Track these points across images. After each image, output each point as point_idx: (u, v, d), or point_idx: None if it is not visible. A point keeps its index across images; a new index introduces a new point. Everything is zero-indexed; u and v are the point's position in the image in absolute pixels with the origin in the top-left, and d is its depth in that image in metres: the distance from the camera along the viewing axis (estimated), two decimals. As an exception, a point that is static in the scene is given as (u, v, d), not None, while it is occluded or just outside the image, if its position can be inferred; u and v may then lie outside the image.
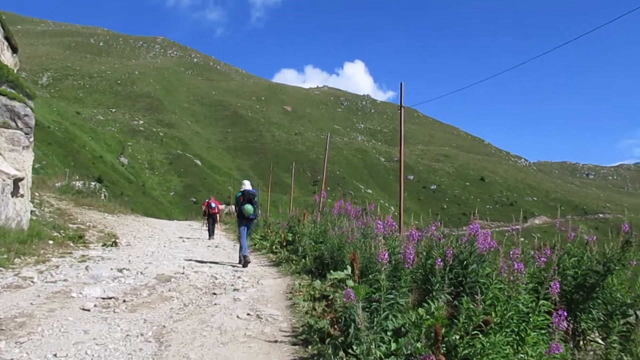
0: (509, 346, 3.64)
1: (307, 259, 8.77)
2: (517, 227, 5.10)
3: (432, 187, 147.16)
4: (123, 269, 8.22)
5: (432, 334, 3.66)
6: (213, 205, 18.96)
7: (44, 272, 7.67)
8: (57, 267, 8.29)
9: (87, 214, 23.29)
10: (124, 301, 6.27)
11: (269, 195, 24.43)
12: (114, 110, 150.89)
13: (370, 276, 5.67)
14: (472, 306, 3.71)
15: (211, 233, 18.29)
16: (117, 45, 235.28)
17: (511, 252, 4.08)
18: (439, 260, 4.61)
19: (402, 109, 8.84)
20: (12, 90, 14.07)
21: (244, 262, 9.55)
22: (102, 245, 12.62)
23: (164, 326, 5.12)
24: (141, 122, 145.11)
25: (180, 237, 17.53)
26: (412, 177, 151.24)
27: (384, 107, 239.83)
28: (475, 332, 3.58)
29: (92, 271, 7.88)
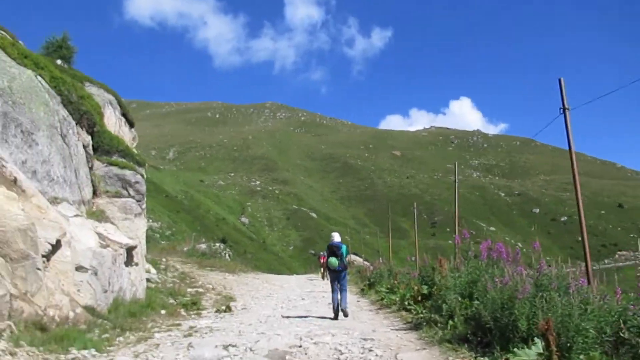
0: None
1: (456, 320, 6.66)
2: None
3: (563, 219, 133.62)
4: (229, 345, 6.76)
5: None
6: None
7: (140, 355, 6.46)
8: (158, 346, 7.08)
9: (208, 276, 23.07)
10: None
11: (390, 242, 22.42)
12: (232, 174, 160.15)
13: (581, 357, 3.56)
14: None
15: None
16: (231, 115, 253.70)
17: None
18: None
19: (566, 111, 6.64)
20: (123, 160, 14.03)
21: (344, 313, 9.96)
22: (216, 311, 11.52)
23: None
24: (258, 182, 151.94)
25: (300, 295, 16.10)
26: (537, 210, 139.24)
27: (497, 141, 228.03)
28: None
29: (194, 351, 6.51)
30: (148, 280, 16.20)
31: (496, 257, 7.57)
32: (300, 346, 6.64)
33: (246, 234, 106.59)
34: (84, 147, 12.77)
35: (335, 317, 9.85)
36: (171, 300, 13.36)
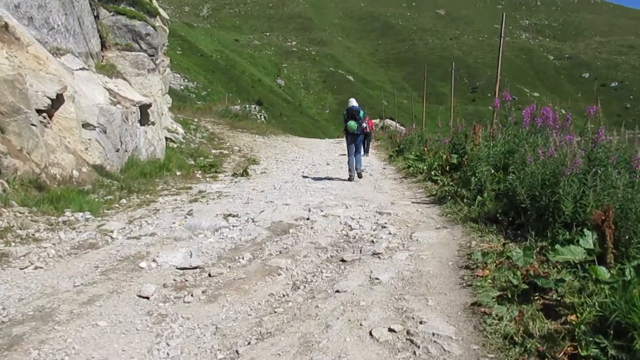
0: None
1: (485, 195, 5.80)
2: None
3: (613, 85, 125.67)
4: (230, 215, 6.20)
5: None
6: (366, 125, 17.77)
7: (134, 221, 5.99)
8: (157, 211, 6.62)
9: (238, 137, 22.79)
10: (209, 275, 4.16)
11: (424, 107, 21.10)
12: (267, 34, 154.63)
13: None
14: None
15: (366, 151, 17.92)
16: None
17: None
18: None
19: None
20: (132, 8, 12.72)
21: (351, 177, 10.17)
22: (232, 175, 11.06)
23: (237, 352, 2.83)
24: (294, 42, 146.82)
25: (326, 160, 15.54)
26: (587, 75, 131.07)
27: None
28: None
29: (192, 219, 5.99)
30: (171, 140, 15.83)
31: (541, 125, 6.45)
32: (307, 218, 6.01)
33: (282, 96, 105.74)
34: (86, -8, 11.50)
35: (351, 179, 10.20)
36: (191, 162, 13.01)
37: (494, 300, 3.05)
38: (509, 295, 3.03)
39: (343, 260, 4.39)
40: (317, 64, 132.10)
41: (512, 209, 5.01)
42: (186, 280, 4.08)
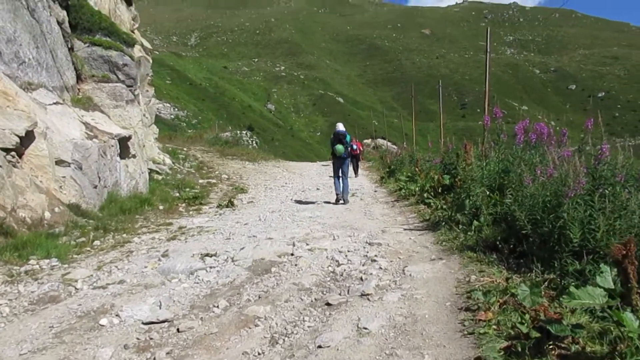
0: None
1: (483, 220, 5.37)
2: None
3: (600, 95, 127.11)
4: (208, 254, 5.71)
5: None
6: (355, 147, 18.97)
7: (104, 267, 5.49)
8: (130, 254, 6.12)
9: (227, 165, 22.37)
10: (178, 331, 3.67)
11: (414, 125, 20.83)
12: (256, 60, 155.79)
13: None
14: None
15: (355, 172, 19.03)
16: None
17: None
18: None
19: None
20: (107, 39, 12.38)
21: (338, 199, 10.38)
22: (217, 207, 10.59)
23: None
24: (282, 67, 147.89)
25: (316, 185, 15.11)
26: (574, 87, 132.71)
27: (534, 13, 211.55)
28: None
29: (166, 262, 5.50)
30: (156, 172, 15.37)
31: (535, 141, 6.08)
32: (292, 254, 5.54)
33: (273, 120, 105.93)
34: (59, 24, 11.14)
35: (337, 202, 10.43)
36: (176, 194, 12.54)
37: (500, 355, 2.59)
38: (519, 349, 2.57)
39: (328, 304, 3.91)
40: (307, 88, 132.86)
41: (513, 235, 4.58)
42: (151, 339, 3.58)
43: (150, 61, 19.37)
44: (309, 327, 3.53)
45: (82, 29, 11.89)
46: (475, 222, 5.45)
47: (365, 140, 45.74)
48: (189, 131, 46.13)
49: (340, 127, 10.83)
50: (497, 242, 4.67)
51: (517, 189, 5.05)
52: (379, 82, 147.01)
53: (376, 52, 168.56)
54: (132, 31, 17.89)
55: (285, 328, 3.57)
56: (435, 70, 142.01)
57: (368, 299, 3.88)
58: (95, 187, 9.83)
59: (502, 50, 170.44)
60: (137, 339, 3.60)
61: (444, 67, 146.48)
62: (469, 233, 5.33)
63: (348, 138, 10.56)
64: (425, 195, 8.75)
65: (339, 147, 10.39)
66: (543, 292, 3.15)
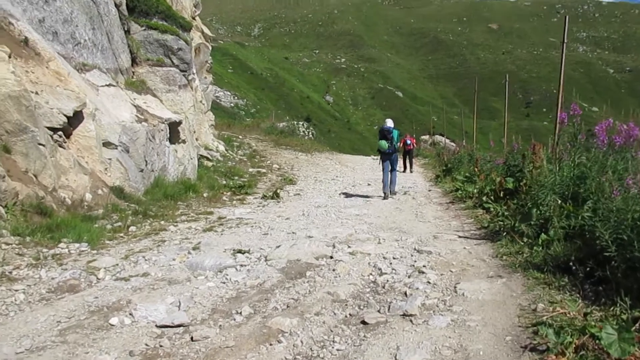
0: None
1: (552, 234, 4.63)
2: None
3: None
4: (241, 250, 5.30)
5: None
6: (408, 142, 19.30)
7: (131, 256, 5.20)
8: (162, 244, 5.81)
9: (280, 154, 22.16)
10: (192, 339, 3.26)
11: (475, 122, 19.71)
12: (317, 51, 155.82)
13: None
14: None
15: (409, 167, 19.26)
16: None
17: None
18: None
19: None
20: (164, 22, 12.26)
21: (385, 197, 10.36)
22: (262, 197, 10.24)
23: None
24: (343, 59, 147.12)
25: (368, 180, 14.51)
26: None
27: (611, 9, 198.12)
28: None
29: (196, 256, 5.13)
30: (207, 158, 15.28)
31: (620, 145, 5.23)
32: (331, 257, 5.02)
33: (330, 112, 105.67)
34: (116, 6, 11.11)
35: (385, 197, 10.42)
36: (224, 181, 12.33)
37: None
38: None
39: (364, 323, 3.37)
40: (366, 81, 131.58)
41: (590, 255, 3.83)
42: (160, 346, 3.18)
43: (210, 48, 19.36)
44: (338, 350, 3.01)
45: (140, 12, 11.84)
46: (543, 236, 4.70)
47: (422, 137, 44.43)
48: (247, 120, 46.55)
49: (389, 123, 11.05)
50: (570, 263, 3.93)
51: (596, 200, 4.28)
52: (440, 78, 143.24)
53: (439, 46, 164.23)
54: (193, 18, 17.88)
55: (311, 349, 3.06)
56: (500, 67, 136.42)
57: (411, 322, 3.31)
58: (142, 170, 9.72)
59: (574, 47, 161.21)
60: (146, 344, 3.21)
61: (510, 64, 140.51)
62: (535, 248, 4.61)
63: (396, 134, 10.78)
64: (484, 198, 7.96)
65: (382, 143, 10.65)
66: (635, 338, 2.47)
